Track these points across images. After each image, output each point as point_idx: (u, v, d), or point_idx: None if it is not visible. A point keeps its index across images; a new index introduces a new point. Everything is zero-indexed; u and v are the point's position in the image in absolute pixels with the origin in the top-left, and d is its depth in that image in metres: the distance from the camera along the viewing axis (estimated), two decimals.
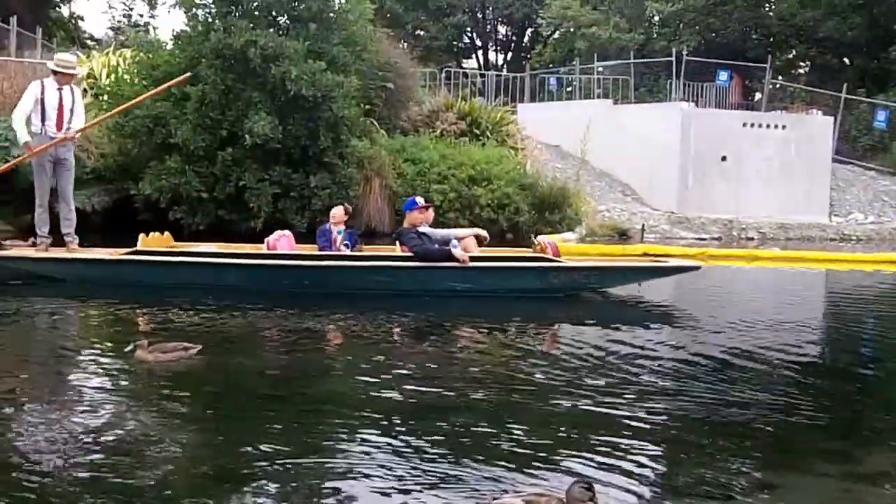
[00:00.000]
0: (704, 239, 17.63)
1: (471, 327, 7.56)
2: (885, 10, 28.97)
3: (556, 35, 37.10)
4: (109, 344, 6.37)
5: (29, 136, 8.88)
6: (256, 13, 13.64)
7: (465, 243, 8.68)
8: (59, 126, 8.90)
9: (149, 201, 12.98)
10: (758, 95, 27.62)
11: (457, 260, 8.40)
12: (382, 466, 3.84)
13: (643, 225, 17.63)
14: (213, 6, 13.81)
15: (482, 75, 29.68)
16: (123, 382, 5.24)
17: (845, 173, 23.34)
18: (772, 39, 30.95)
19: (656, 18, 33.59)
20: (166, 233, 9.34)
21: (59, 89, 8.97)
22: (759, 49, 29.90)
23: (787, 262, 14.09)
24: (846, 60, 30.40)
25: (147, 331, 6.74)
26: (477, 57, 43.34)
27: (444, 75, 24.88)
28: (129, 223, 12.92)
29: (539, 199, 15.24)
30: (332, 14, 14.07)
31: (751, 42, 30.89)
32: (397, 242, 8.79)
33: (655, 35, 32.35)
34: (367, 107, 15.19)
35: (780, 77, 28.90)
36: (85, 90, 15.33)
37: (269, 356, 6.24)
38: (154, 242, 8.89)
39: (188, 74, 11.42)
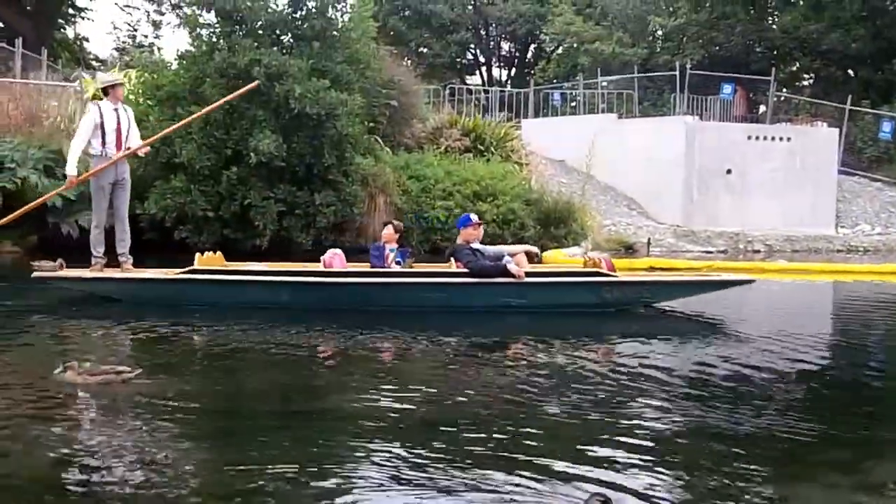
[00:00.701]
0: (710, 252, 17.60)
1: (524, 343, 7.48)
2: (889, 21, 29.02)
3: (560, 50, 37.23)
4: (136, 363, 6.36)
5: (75, 171, 9.00)
6: (260, 32, 13.70)
7: (518, 259, 8.64)
8: (118, 146, 8.98)
9: (154, 220, 12.99)
10: (762, 108, 27.62)
11: (512, 276, 8.36)
12: (408, 480, 3.83)
13: (649, 239, 17.61)
14: (217, 26, 13.87)
15: (486, 91, 29.75)
16: (149, 400, 5.19)
17: (851, 185, 23.32)
18: (775, 52, 31.00)
19: (659, 33, 33.68)
20: (218, 252, 9.35)
21: (115, 109, 9.08)
22: (763, 62, 29.92)
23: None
24: (850, 72, 30.42)
25: (127, 350, 6.74)
26: (481, 73, 43.52)
27: (447, 92, 24.95)
28: (134, 242, 12.94)
29: (544, 213, 15.25)
30: (335, 32, 14.12)
31: (754, 55, 30.91)
32: (451, 259, 8.72)
33: (659, 49, 32.44)
34: (371, 124, 15.24)
35: (784, 89, 28.94)
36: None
37: (312, 373, 6.18)
38: (207, 262, 8.90)
39: (257, 82, 11.47)
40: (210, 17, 13.97)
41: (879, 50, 28.77)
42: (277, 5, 14.10)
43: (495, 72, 43.78)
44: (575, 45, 33.65)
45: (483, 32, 41.96)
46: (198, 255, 8.93)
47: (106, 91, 9.18)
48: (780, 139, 21.08)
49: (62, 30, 32.84)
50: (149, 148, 9.54)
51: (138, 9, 37.15)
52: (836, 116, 25.01)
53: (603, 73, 27.75)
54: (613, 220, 18.96)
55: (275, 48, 13.50)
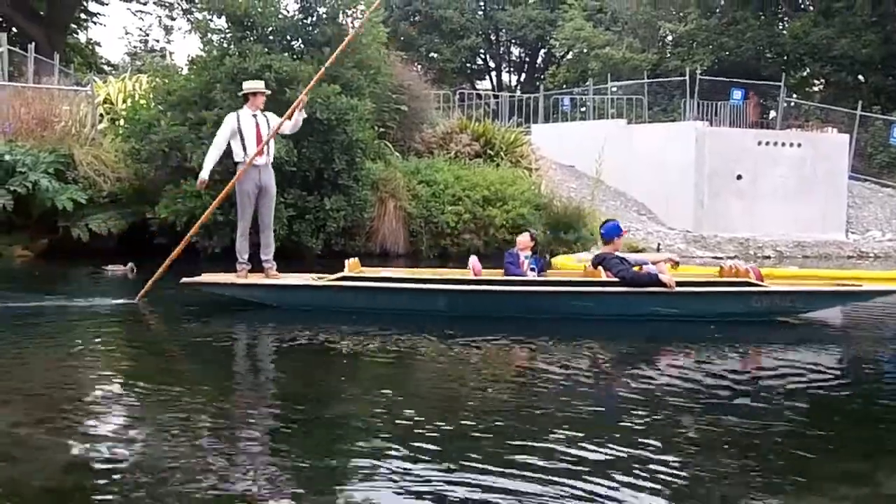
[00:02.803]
0: (720, 258, 17.53)
1: (675, 351, 7.49)
2: None
3: (570, 56, 37.30)
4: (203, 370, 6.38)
5: (206, 175, 9.18)
6: (271, 38, 13.76)
7: (661, 268, 8.62)
8: (260, 152, 9.08)
9: (165, 225, 13.05)
10: (772, 114, 27.58)
11: (664, 285, 8.34)
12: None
13: (659, 244, 17.58)
14: (228, 31, 13.93)
15: (496, 97, 29.79)
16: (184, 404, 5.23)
17: (862, 190, 23.24)
18: (786, 58, 30.95)
19: (669, 38, 33.70)
20: (356, 258, 9.41)
21: (254, 115, 9.20)
22: (773, 67, 29.90)
23: None
24: (861, 78, 30.35)
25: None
26: (490, 78, 43.61)
27: (457, 97, 24.98)
28: (144, 247, 13.02)
29: (554, 219, 15.25)
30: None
31: (765, 61, 30.89)
32: (599, 267, 8.62)
33: (669, 55, 32.45)
34: (382, 129, 15.28)
35: (794, 95, 28.87)
36: (101, 115, 15.52)
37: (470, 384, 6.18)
38: (352, 268, 9.00)
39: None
40: (221, 22, 14.05)
41: (890, 55, 28.71)
42: (288, 11, 14.18)
43: (505, 77, 43.89)
44: (585, 51, 33.71)
45: (493, 38, 42.06)
46: (347, 261, 9.08)
47: (246, 98, 9.33)
48: (791, 145, 21.03)
49: (74, 35, 33.03)
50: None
51: (150, 14, 37.34)
52: (846, 122, 24.95)
53: (613, 79, 27.77)
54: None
55: (285, 54, 13.54)
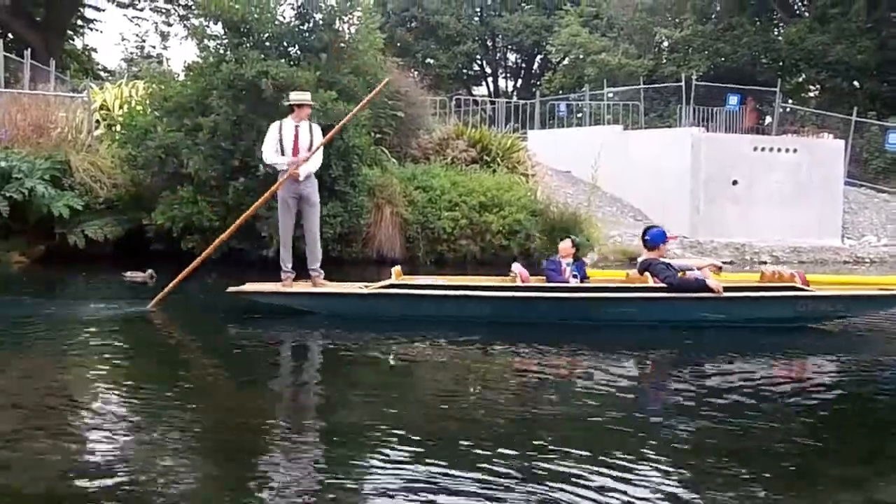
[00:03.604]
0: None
1: (681, 355, 7.54)
2: (895, 33, 29.02)
3: (566, 62, 37.33)
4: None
5: (284, 162, 9.18)
6: (267, 44, 13.74)
7: (705, 273, 8.62)
8: (298, 162, 9.11)
9: (161, 231, 13.04)
10: (768, 119, 27.62)
11: (711, 290, 8.32)
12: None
13: None
14: (224, 37, 13.91)
15: (492, 102, 29.80)
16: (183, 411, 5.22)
17: (857, 196, 23.29)
18: (781, 64, 31.00)
19: (665, 44, 33.75)
20: (398, 267, 9.47)
21: (297, 126, 9.24)
22: (769, 73, 29.95)
23: None
24: (856, 84, 30.40)
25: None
26: (487, 84, 43.65)
27: (454, 103, 25.00)
28: (141, 253, 13.01)
29: (550, 225, 15.24)
30: (342, 44, 14.15)
31: (760, 66, 30.94)
32: (646, 273, 8.62)
33: (665, 60, 32.47)
34: (378, 135, 15.27)
35: (790, 101, 28.92)
36: (98, 121, 15.51)
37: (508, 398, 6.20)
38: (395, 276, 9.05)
39: (387, 80, 11.47)
40: (217, 28, 14.03)
41: (885, 61, 28.77)
42: (285, 17, 14.16)
43: (501, 83, 43.92)
44: (581, 57, 33.74)
45: (489, 43, 42.10)
46: (394, 269, 9.17)
47: (292, 108, 9.37)
48: (787, 151, 21.05)
49: (71, 41, 33.00)
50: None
51: (146, 20, 37.30)
52: (841, 128, 24.98)
53: (609, 85, 27.81)
54: (619, 231, 18.93)
55: (282, 60, 13.53)
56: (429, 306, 8.60)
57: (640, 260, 8.98)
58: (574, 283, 8.95)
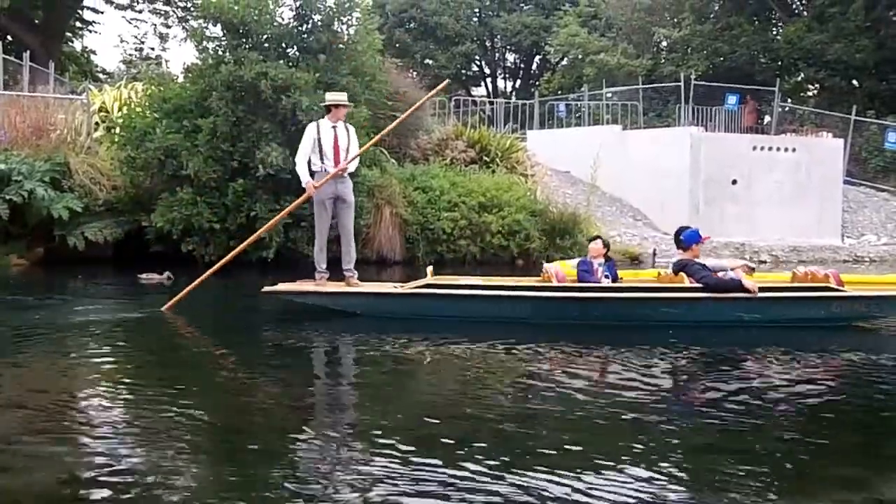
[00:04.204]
0: None
1: (687, 355, 7.52)
2: (893, 32, 29.02)
3: (565, 62, 37.36)
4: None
5: (309, 177, 9.20)
6: (266, 45, 13.75)
7: (738, 274, 8.62)
8: (336, 162, 9.18)
9: (160, 233, 13.04)
10: (767, 119, 27.63)
11: (747, 290, 8.33)
12: None
13: (654, 249, 17.60)
14: (223, 39, 13.92)
15: (491, 103, 29.81)
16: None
17: (857, 195, 23.30)
18: (780, 63, 31.00)
19: (664, 44, 33.75)
20: (431, 266, 9.52)
21: (334, 127, 9.28)
22: (768, 73, 29.95)
23: None
24: (855, 83, 30.41)
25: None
26: (486, 85, 43.66)
27: (453, 104, 24.98)
28: (140, 254, 13.02)
29: (550, 225, 15.24)
30: (341, 45, 14.17)
31: (759, 66, 30.93)
32: (682, 274, 8.61)
33: (663, 60, 32.47)
34: None
35: (788, 100, 28.93)
36: (97, 123, 15.51)
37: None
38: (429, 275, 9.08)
39: (446, 82, 11.48)
40: (216, 30, 14.03)
41: (884, 60, 28.76)
42: (283, 18, 14.17)
43: (500, 83, 43.93)
44: (580, 57, 33.75)
45: (488, 44, 42.12)
46: (429, 268, 9.22)
47: (329, 109, 9.41)
48: (786, 150, 21.07)
49: (70, 43, 32.99)
50: (352, 167, 9.58)
51: (145, 22, 37.33)
52: (840, 127, 24.99)
53: (608, 85, 27.80)
54: (619, 230, 18.95)
55: (281, 61, 13.54)
56: (466, 306, 8.60)
57: (674, 260, 8.96)
58: (606, 283, 8.92)
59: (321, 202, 9.29)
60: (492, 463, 4.26)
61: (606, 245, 9.40)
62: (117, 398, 5.63)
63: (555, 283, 8.75)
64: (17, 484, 3.97)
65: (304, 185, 9.25)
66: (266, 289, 9.07)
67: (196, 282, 9.05)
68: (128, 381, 6.16)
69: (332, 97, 9.60)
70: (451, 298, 8.65)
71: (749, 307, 8.42)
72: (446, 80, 10.99)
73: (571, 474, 4.12)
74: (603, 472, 4.20)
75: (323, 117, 9.52)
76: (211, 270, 9.30)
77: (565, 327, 8.35)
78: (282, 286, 9.11)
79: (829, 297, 8.51)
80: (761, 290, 8.44)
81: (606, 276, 9.01)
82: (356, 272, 9.39)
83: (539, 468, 4.19)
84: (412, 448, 4.51)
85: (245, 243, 9.94)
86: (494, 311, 8.59)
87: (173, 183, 13.06)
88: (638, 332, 8.26)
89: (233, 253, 9.69)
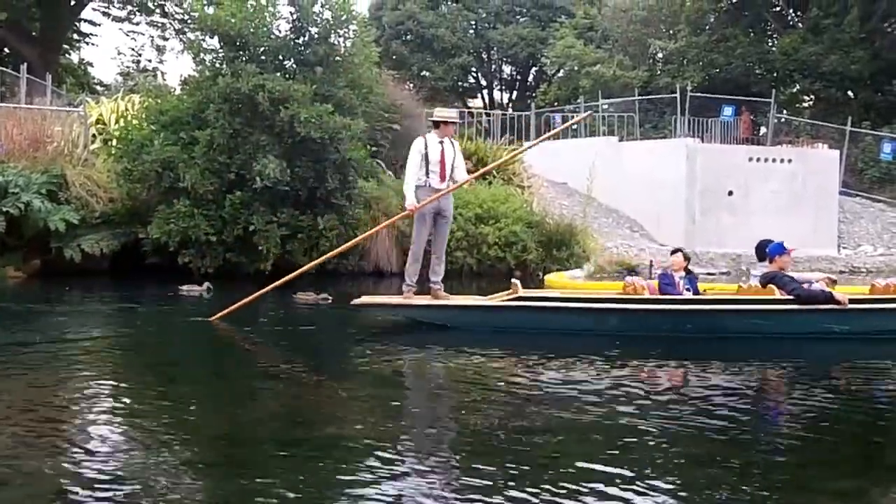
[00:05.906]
0: (713, 274, 17.57)
1: (687, 367, 7.49)
2: (888, 43, 29.19)
3: (561, 74, 37.42)
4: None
5: (415, 199, 9.16)
6: (263, 58, 13.78)
7: (823, 285, 8.63)
8: (441, 177, 9.17)
9: (157, 245, 13.03)
10: (763, 130, 27.71)
11: (838, 302, 8.33)
12: None
13: (651, 261, 17.58)
14: (220, 51, 13.96)
15: (488, 115, 29.86)
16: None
17: (853, 205, 23.35)
18: (775, 74, 31.13)
19: (660, 56, 33.85)
20: (516, 279, 9.53)
21: (441, 142, 9.27)
22: (763, 84, 30.06)
23: None
24: (850, 94, 30.53)
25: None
26: (482, 96, 43.72)
27: None
28: (137, 267, 13.00)
29: (546, 236, 15.26)
30: (338, 58, 14.22)
31: (754, 77, 31.05)
32: (772, 286, 8.58)
33: (659, 72, 32.59)
34: (374, 148, 15.31)
35: (784, 111, 29.03)
36: (94, 135, 15.52)
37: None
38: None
39: (589, 113, 11.45)
40: (213, 42, 14.08)
41: (879, 71, 28.90)
42: (280, 31, 14.22)
43: (497, 95, 44.01)
44: (576, 68, 33.84)
45: (484, 56, 42.21)
46: (516, 282, 9.17)
47: (437, 124, 9.40)
48: (782, 161, 21.13)
49: (67, 55, 33.01)
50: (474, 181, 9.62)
51: (142, 34, 37.31)
52: (836, 138, 25.08)
53: (604, 96, 27.86)
54: (616, 242, 18.96)
55: (278, 73, 13.58)
56: (557, 319, 8.63)
57: (762, 273, 8.93)
58: (687, 295, 8.91)
59: (422, 216, 9.25)
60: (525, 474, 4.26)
61: (687, 258, 9.37)
62: (121, 411, 5.61)
63: (647, 296, 8.75)
64: (16, 497, 3.96)
65: (407, 205, 9.23)
66: (355, 301, 9.14)
67: (253, 296, 9.15)
68: (126, 395, 6.14)
69: (442, 113, 9.62)
70: (540, 311, 8.71)
71: (839, 318, 8.42)
72: (589, 112, 11.02)
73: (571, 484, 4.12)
74: (599, 482, 4.19)
75: (430, 132, 9.49)
76: (273, 285, 9.42)
77: (654, 340, 8.30)
78: (368, 298, 9.26)
79: None
80: (854, 301, 8.47)
81: (688, 290, 9.00)
82: (442, 285, 9.40)
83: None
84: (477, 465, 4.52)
85: (325, 257, 10.31)
86: (584, 324, 8.60)
87: (170, 195, 13.05)
88: (717, 343, 8.34)
89: (303, 268, 9.88)
